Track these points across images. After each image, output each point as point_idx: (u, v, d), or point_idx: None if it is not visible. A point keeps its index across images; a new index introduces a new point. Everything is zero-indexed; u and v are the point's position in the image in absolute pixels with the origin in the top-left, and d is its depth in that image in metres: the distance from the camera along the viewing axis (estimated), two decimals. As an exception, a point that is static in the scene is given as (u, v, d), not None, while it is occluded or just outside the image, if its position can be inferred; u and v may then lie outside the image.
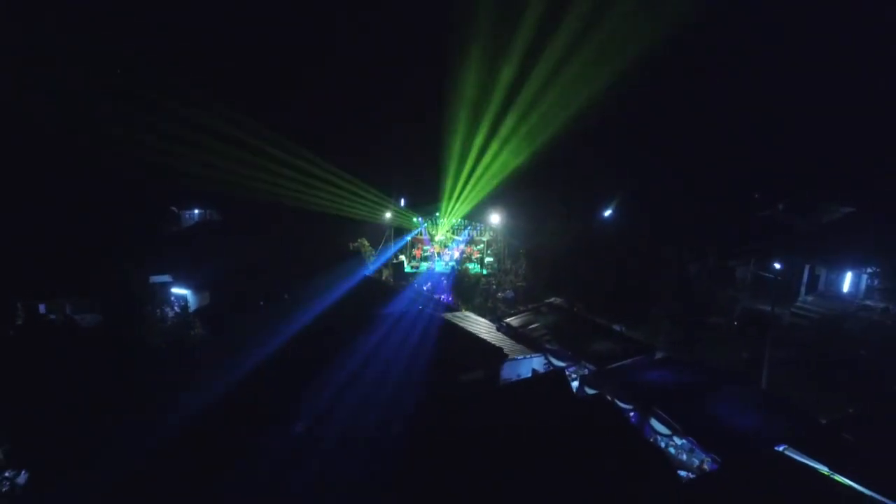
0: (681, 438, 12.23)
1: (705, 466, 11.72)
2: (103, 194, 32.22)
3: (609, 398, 13.42)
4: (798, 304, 23.69)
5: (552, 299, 22.90)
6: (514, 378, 15.13)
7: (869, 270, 21.93)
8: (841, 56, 33.73)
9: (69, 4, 38.80)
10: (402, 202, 33.95)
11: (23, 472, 13.65)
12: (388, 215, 32.76)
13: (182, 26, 42.09)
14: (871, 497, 10.05)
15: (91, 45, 35.94)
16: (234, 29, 43.03)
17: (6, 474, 13.52)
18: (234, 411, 12.52)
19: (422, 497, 10.32)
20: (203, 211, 40.94)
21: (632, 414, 13.24)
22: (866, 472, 10.63)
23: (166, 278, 25.96)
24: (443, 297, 26.09)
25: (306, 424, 12.49)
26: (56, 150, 32.69)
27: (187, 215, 40.53)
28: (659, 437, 13.03)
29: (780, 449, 11.70)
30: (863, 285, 22.57)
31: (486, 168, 31.60)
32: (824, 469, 10.87)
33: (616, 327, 20.40)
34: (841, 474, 10.68)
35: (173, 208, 39.34)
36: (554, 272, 25.43)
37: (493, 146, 31.51)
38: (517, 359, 15.93)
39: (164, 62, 39.19)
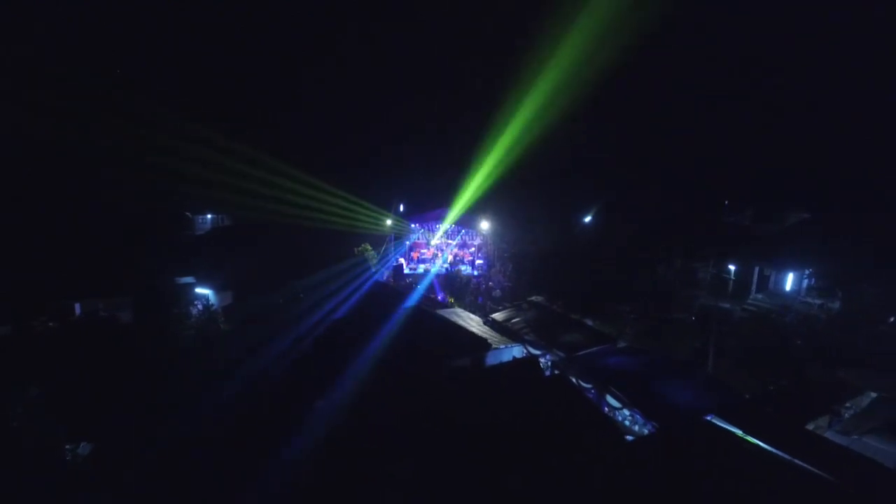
0: (629, 410, 14.64)
1: (647, 432, 14.13)
2: (128, 202, 34.20)
3: (573, 379, 15.83)
4: (749, 300, 26.16)
5: (533, 297, 25.26)
6: (497, 363, 17.49)
7: (807, 271, 24.43)
8: (818, 69, 35.28)
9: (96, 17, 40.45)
10: (402, 210, 36.23)
11: (83, 443, 15.79)
12: (388, 223, 35.02)
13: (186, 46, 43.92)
14: (770, 452, 12.45)
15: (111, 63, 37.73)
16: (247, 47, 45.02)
17: (67, 447, 15.66)
18: (267, 391, 14.82)
19: (421, 455, 12.63)
20: (215, 216, 42.86)
21: (592, 391, 15.64)
22: (772, 434, 13.04)
23: (190, 279, 28.13)
24: (438, 295, 28.37)
25: (325, 400, 14.83)
26: (82, 166, 34.31)
27: (200, 220, 42.50)
28: (616, 411, 15.46)
29: (709, 418, 14.12)
30: (804, 284, 25.09)
31: (477, 179, 33.87)
32: (739, 432, 13.29)
33: (588, 322, 22.79)
34: (752, 436, 13.09)
35: (188, 213, 41.29)
36: (536, 273, 27.76)
37: (483, 160, 33.79)
38: (500, 348, 18.17)
39: (172, 79, 41.06)
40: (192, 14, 46.49)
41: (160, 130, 35.78)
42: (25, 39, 35.85)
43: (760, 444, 12.71)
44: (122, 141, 35.34)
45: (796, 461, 11.85)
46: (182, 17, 46.35)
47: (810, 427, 14.41)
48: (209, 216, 42.78)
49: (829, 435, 14.27)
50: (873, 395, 16.63)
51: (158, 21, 45.29)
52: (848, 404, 16.48)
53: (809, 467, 11.58)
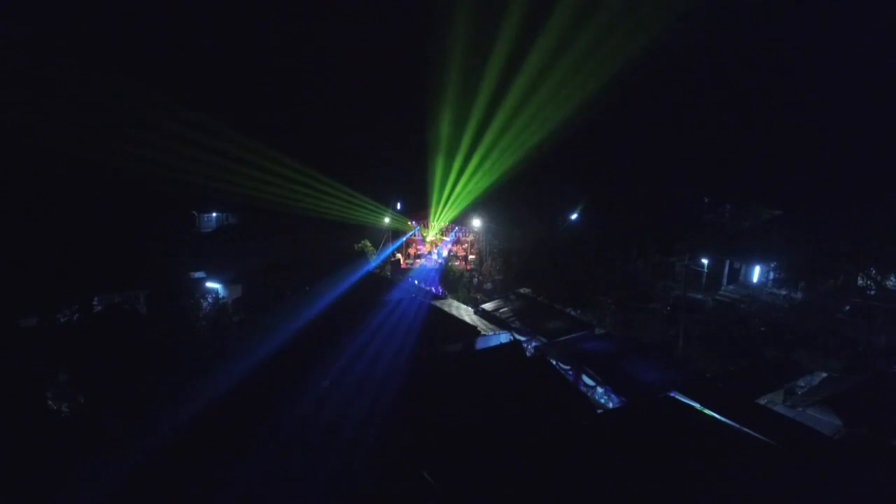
0: (601, 387, 15.98)
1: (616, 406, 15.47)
2: (139, 202, 35.16)
3: (553, 361, 17.14)
4: (721, 291, 27.56)
5: (521, 289, 26.55)
6: (485, 347, 18.76)
7: (773, 265, 25.84)
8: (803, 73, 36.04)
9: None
10: (399, 208, 37.41)
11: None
12: (386, 220, 36.18)
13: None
14: (725, 422, 13.80)
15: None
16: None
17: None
18: (278, 372, 16.04)
19: (417, 427, 13.88)
20: (220, 214, 43.70)
21: (570, 372, 16.96)
22: (725, 407, 14.40)
23: (201, 274, 29.22)
24: (432, 288, 29.59)
25: (331, 381, 16.08)
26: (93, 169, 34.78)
27: (206, 218, 43.36)
28: (592, 390, 16.78)
29: (671, 394, 15.47)
30: (770, 276, 26.51)
31: (470, 179, 35.06)
32: (697, 406, 14.65)
33: (570, 311, 24.10)
34: (709, 409, 14.45)
35: (193, 212, 42.17)
36: (524, 268, 29.00)
37: (476, 161, 34.96)
38: (488, 334, 19.47)
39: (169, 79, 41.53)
40: (194, 11, 46.71)
41: (164, 132, 36.47)
42: (25, 39, 36.27)
43: (715, 415, 14.09)
44: (133, 144, 36.05)
45: (744, 429, 13.22)
46: (184, 15, 46.58)
47: (763, 401, 15.78)
48: (214, 214, 43.57)
49: (779, 408, 15.66)
50: (823, 374, 18.07)
51: (160, 20, 45.63)
52: (801, 382, 17.91)
53: (755, 434, 12.95)
